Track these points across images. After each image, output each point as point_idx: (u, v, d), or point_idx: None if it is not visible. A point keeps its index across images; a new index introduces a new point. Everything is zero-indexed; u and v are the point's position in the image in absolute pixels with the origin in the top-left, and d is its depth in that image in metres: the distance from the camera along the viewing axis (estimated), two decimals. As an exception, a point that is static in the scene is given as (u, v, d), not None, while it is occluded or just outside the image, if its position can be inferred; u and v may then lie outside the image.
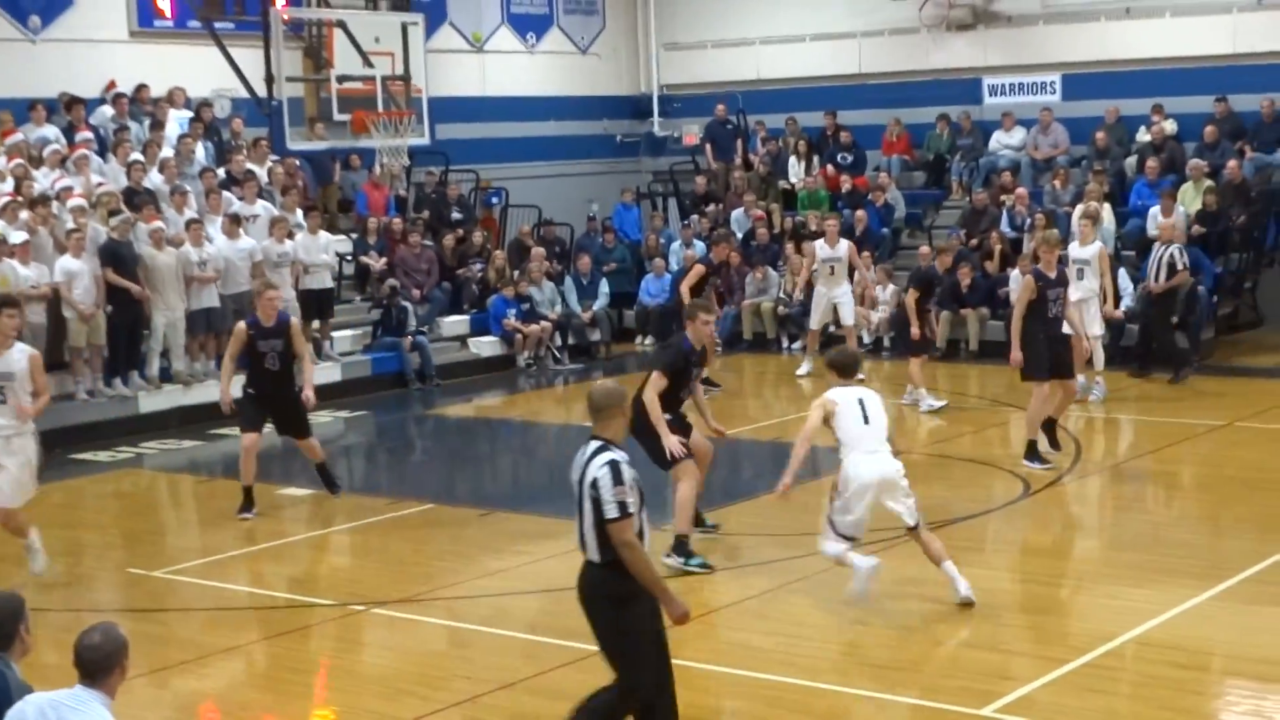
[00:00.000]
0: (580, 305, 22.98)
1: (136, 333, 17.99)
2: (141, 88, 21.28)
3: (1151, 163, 22.18)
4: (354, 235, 22.32)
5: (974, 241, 22.27)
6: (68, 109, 20.15)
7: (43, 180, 18.50)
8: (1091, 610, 10.62)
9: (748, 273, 23.17)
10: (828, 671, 9.26)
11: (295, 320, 14.30)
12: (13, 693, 6.10)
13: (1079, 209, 20.29)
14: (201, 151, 20.80)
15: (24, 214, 17.28)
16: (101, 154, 19.81)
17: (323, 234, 20.27)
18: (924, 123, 25.44)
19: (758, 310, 23.01)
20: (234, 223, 19.02)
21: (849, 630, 10.16)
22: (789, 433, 17.16)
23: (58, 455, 16.09)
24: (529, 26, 27.42)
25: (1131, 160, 22.95)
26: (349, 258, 21.92)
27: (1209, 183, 21.51)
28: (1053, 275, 14.14)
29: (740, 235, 23.88)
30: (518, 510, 13.63)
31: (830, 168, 25.25)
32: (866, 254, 21.67)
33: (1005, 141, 24.42)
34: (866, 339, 20.92)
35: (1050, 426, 14.37)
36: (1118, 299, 18.27)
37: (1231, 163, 21.72)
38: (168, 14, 22.38)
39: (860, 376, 11.21)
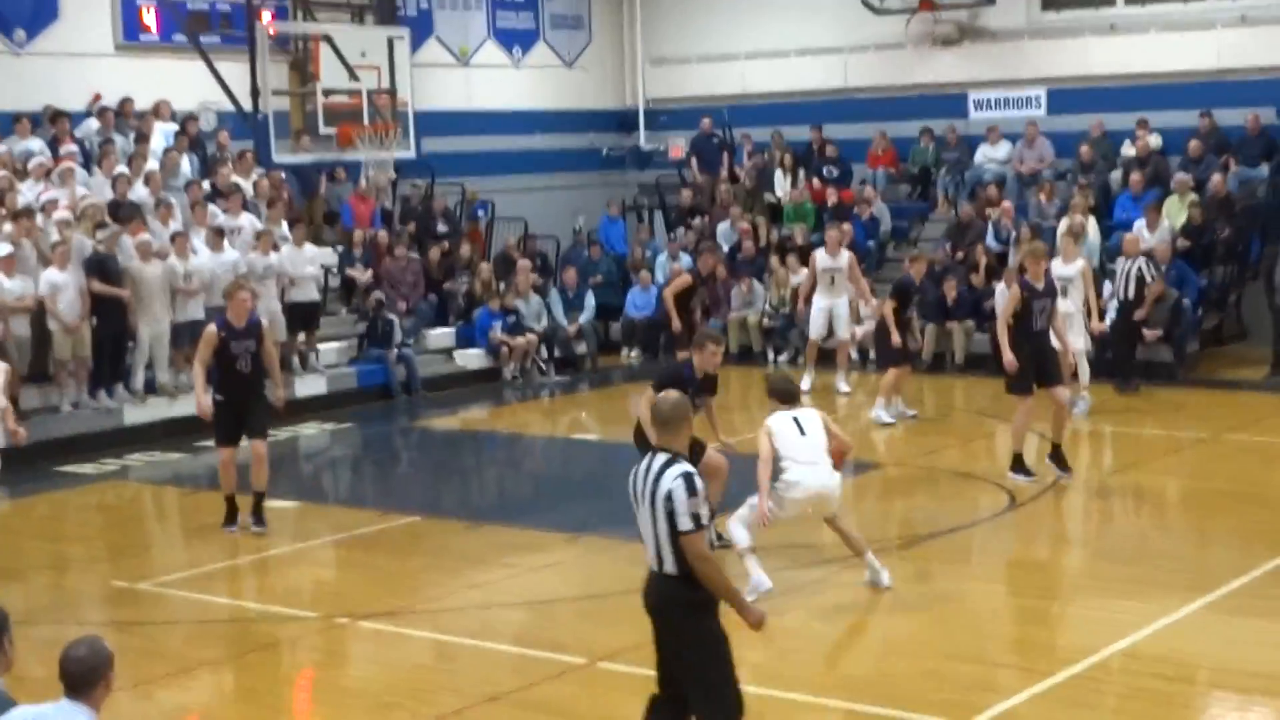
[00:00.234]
0: (566, 318, 22.98)
1: (121, 345, 17.95)
2: (126, 101, 21.24)
3: (1136, 177, 22.24)
4: (340, 248, 22.29)
5: (959, 255, 22.31)
6: (52, 121, 20.11)
7: (27, 193, 18.46)
8: (1077, 622, 10.63)
9: (733, 286, 23.19)
10: (813, 685, 9.26)
11: (265, 321, 14.09)
12: (-4, 705, 6.08)
13: (1063, 224, 20.38)
14: (187, 164, 20.76)
15: (7, 226, 17.24)
16: (86, 166, 19.78)
17: (308, 246, 20.25)
18: (910, 136, 25.49)
19: (743, 323, 23.03)
20: (218, 235, 19.00)
21: (834, 643, 10.16)
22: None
23: (40, 466, 16.11)
24: (515, 40, 27.44)
25: (1116, 174, 23.01)
26: (334, 270, 21.90)
27: (1193, 197, 21.57)
28: (1040, 287, 14.09)
29: (726, 248, 23.90)
30: (504, 523, 13.61)
31: (816, 181, 25.29)
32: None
33: (991, 155, 24.47)
34: (854, 353, 20.89)
35: (1055, 451, 14.22)
36: (1102, 314, 18.30)
37: (1216, 177, 21.79)
38: (153, 28, 22.32)
39: (801, 401, 11.53)
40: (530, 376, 22.10)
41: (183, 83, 21.90)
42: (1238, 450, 16.01)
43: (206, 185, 20.49)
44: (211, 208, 19.73)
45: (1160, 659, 9.49)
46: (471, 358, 21.96)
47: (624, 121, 28.83)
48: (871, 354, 21.11)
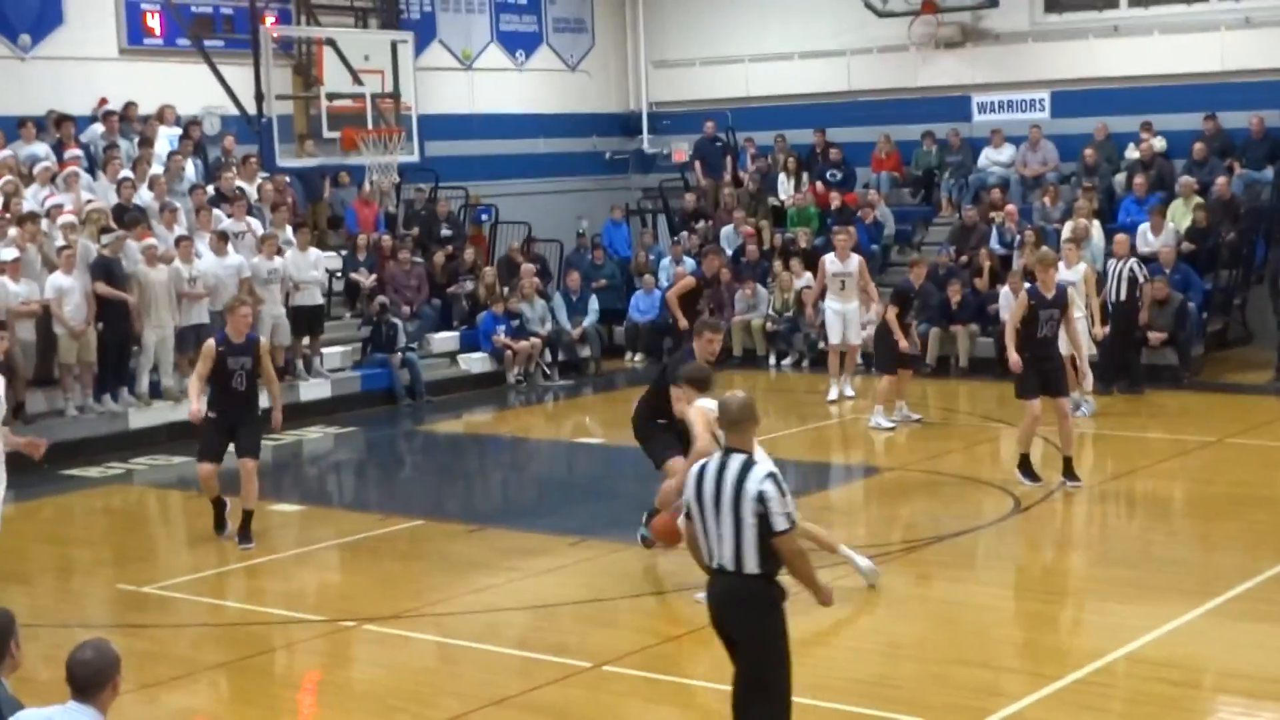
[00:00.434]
0: (570, 322, 22.99)
1: (126, 349, 17.97)
2: (131, 105, 21.27)
3: (1140, 180, 22.24)
4: (344, 252, 22.31)
5: (964, 258, 22.31)
6: (57, 126, 20.13)
7: (32, 197, 18.48)
8: (1083, 627, 10.64)
9: (737, 289, 23.20)
10: (818, 688, 9.22)
11: (264, 339, 13.99)
12: (3, 709, 6.09)
13: (1067, 227, 20.37)
14: (191, 169, 20.79)
15: (13, 231, 17.26)
16: (91, 171, 19.80)
17: (312, 251, 20.26)
18: (913, 140, 25.49)
19: (747, 327, 23.03)
20: (222, 240, 19.02)
21: (838, 647, 10.15)
22: (778, 449, 17.16)
23: (46, 470, 16.12)
24: (518, 44, 27.45)
25: (1120, 177, 23.01)
26: (339, 274, 21.90)
27: (1198, 200, 21.57)
28: (1049, 295, 14.00)
29: (730, 252, 23.90)
30: (507, 526, 13.61)
31: (819, 185, 25.30)
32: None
33: (994, 158, 24.47)
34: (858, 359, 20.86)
35: (1065, 463, 14.17)
36: (1105, 318, 18.27)
37: (1220, 180, 21.79)
38: (157, 32, 22.35)
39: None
40: (534, 380, 22.11)
41: (187, 87, 21.95)
42: (1243, 454, 16.00)
43: (211, 190, 20.51)
44: (216, 212, 19.75)
45: (1166, 663, 9.48)
46: (475, 361, 21.97)
47: (627, 125, 28.84)
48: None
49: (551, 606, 11.27)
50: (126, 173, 19.57)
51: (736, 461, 7.13)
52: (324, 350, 20.41)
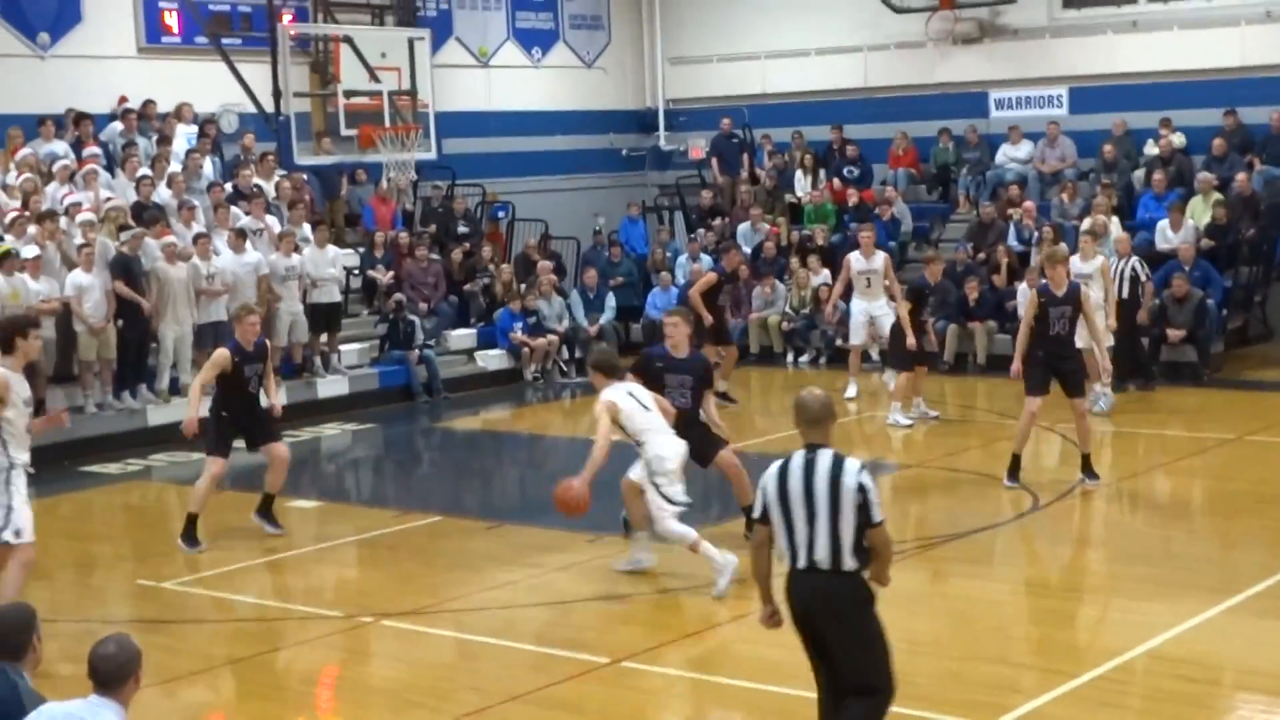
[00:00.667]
0: (587, 319, 22.99)
1: (145, 346, 18.02)
2: (149, 103, 21.33)
3: (1159, 176, 22.16)
4: (361, 249, 22.35)
5: (981, 255, 22.26)
6: (76, 124, 20.19)
7: (51, 196, 18.54)
8: (1101, 624, 10.62)
9: (755, 286, 23.18)
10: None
11: (269, 344, 13.95)
12: (25, 703, 6.12)
13: (1086, 223, 20.31)
14: (209, 166, 20.84)
15: (32, 229, 17.32)
16: (110, 169, 19.85)
17: (330, 248, 20.30)
18: (930, 136, 25.45)
19: (764, 324, 23.01)
20: (241, 237, 19.06)
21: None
22: (796, 447, 17.20)
23: (65, 466, 16.20)
24: (534, 41, 27.47)
25: (1139, 173, 22.94)
26: (356, 272, 21.94)
27: (1218, 196, 21.49)
28: (1059, 293, 13.88)
29: (748, 249, 23.87)
30: (525, 523, 13.61)
31: (836, 181, 25.27)
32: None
33: (1012, 155, 24.42)
34: (874, 355, 20.85)
35: (1085, 460, 14.08)
36: (1119, 313, 18.14)
37: (1240, 176, 21.71)
38: (175, 30, 22.43)
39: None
40: (551, 377, 22.12)
41: (204, 85, 22.01)
42: (1263, 451, 15.94)
43: (229, 187, 20.55)
44: (234, 209, 19.80)
45: (1185, 661, 9.46)
46: (492, 358, 21.99)
47: (644, 122, 28.84)
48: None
49: (569, 603, 11.29)
50: (145, 170, 19.63)
51: (826, 457, 7.07)
52: (342, 347, 20.45)
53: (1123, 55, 24.09)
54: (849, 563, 7.02)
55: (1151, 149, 23.12)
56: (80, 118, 20.25)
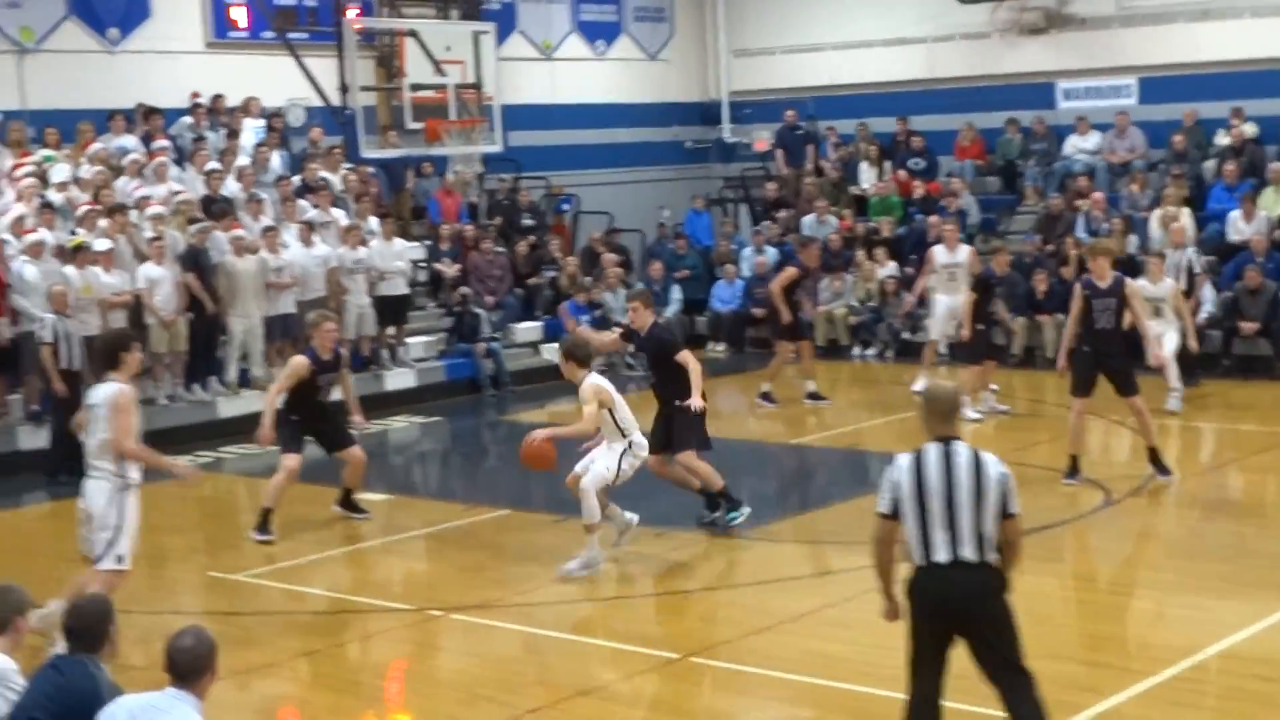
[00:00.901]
0: (652, 312, 22.93)
1: (214, 339, 18.16)
2: (218, 97, 21.49)
3: (1230, 166, 21.89)
4: (427, 242, 22.43)
5: (1049, 247, 22.08)
6: (145, 119, 20.37)
7: (122, 189, 18.71)
8: (1174, 622, 10.48)
9: (822, 278, 23.07)
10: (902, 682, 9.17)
11: (345, 353, 14.06)
12: (104, 694, 6.18)
13: (1155, 214, 20.08)
14: (277, 160, 20.97)
15: (104, 222, 17.49)
16: (179, 163, 20.01)
17: (396, 241, 20.39)
18: (996, 127, 25.26)
19: (830, 317, 22.92)
20: (309, 230, 19.18)
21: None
22: (863, 440, 17.18)
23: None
24: (598, 33, 27.47)
25: (1210, 164, 22.68)
26: (422, 264, 22.03)
27: (1290, 186, 21.23)
28: (1103, 285, 13.66)
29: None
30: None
31: (902, 173, 25.14)
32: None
33: (1080, 146, 24.19)
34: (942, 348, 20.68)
35: (1153, 454, 13.88)
36: (1198, 335, 17.80)
37: (1313, 165, 21.43)
38: (242, 25, 22.59)
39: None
40: (616, 370, 22.08)
41: (271, 79, 22.12)
42: (1336, 445, 15.74)
43: (296, 180, 20.67)
44: (301, 203, 19.92)
45: (1260, 659, 9.34)
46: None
47: (707, 114, 28.79)
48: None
49: (636, 597, 11.29)
50: (214, 164, 19.77)
51: (963, 449, 7.05)
52: (409, 340, 20.55)
53: (1193, 44, 23.75)
54: (992, 555, 7.00)
55: (1223, 139, 22.82)
56: (150, 112, 20.43)
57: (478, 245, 22.18)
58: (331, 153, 21.55)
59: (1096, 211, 21.94)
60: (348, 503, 13.74)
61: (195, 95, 21.28)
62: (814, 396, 18.78)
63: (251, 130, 21.40)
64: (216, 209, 18.82)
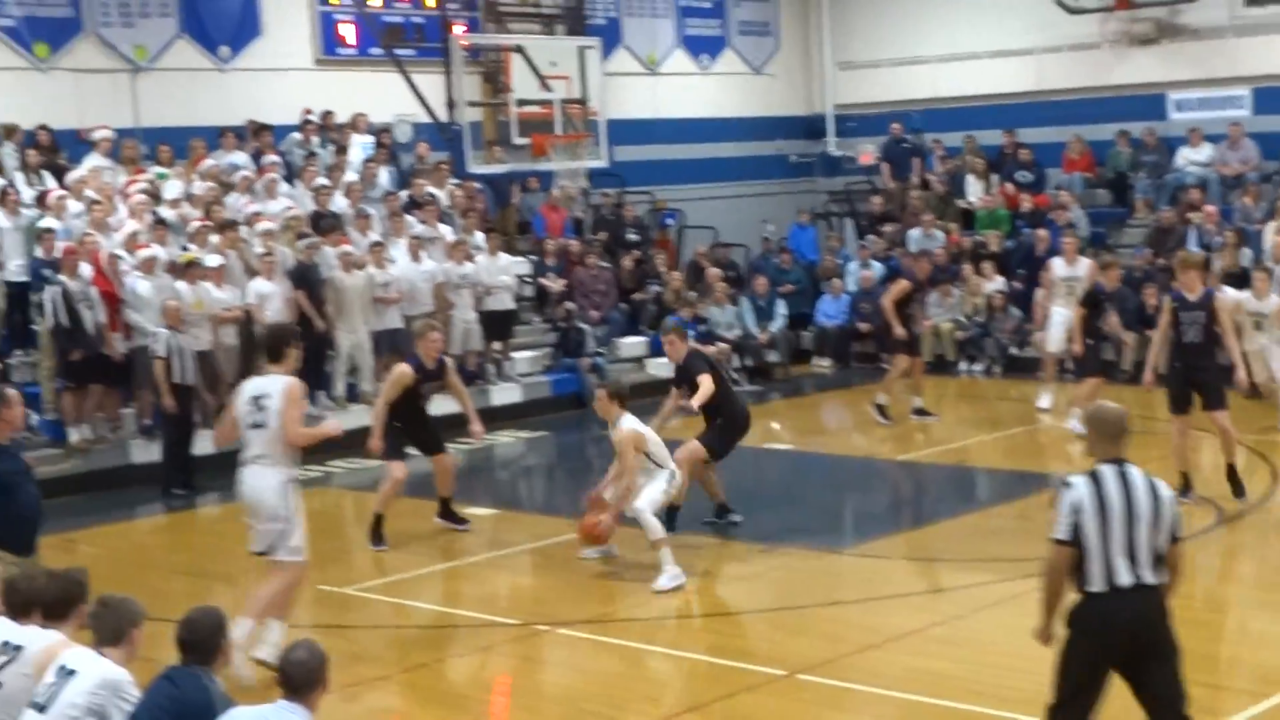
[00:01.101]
0: (757, 327, 22.91)
1: (322, 354, 18.34)
2: (327, 114, 21.74)
3: (1347, 178, 21.48)
4: (532, 257, 22.53)
5: (1160, 261, 21.74)
6: (255, 135, 20.64)
7: (233, 205, 18.97)
8: (1291, 644, 10.26)
9: (930, 292, 22.84)
10: (1017, 701, 9.04)
11: (450, 360, 14.19)
12: (216, 706, 6.24)
13: (1269, 228, 19.70)
14: (384, 175, 21.17)
15: (214, 238, 17.74)
16: (288, 179, 20.26)
17: (502, 256, 20.49)
18: (1106, 140, 24.93)
19: (937, 331, 22.71)
20: (416, 245, 19.32)
21: (1039, 658, 9.90)
22: (970, 457, 17.00)
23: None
24: (703, 48, 27.47)
25: (1326, 176, 22.26)
26: (528, 279, 22.13)
27: None
28: (1192, 298, 13.41)
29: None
30: (698, 532, 13.56)
31: (1009, 186, 24.88)
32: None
33: (1192, 158, 23.81)
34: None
35: (1230, 472, 13.61)
36: None
37: None
38: (351, 42, 22.85)
39: None
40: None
41: (379, 95, 22.34)
42: None
43: (404, 196, 20.85)
44: (408, 218, 20.07)
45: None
46: (663, 366, 21.84)
47: (812, 128, 28.68)
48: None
49: (743, 613, 11.24)
50: (322, 180, 19.98)
51: (1136, 472, 6.97)
52: (514, 355, 20.63)
53: (1309, 53, 23.35)
54: (1165, 577, 6.96)
55: (1340, 150, 22.39)
56: (260, 129, 20.70)
57: (583, 260, 22.24)
58: (438, 168, 21.72)
59: (1209, 225, 21.59)
60: (447, 513, 13.89)
61: (307, 111, 21.53)
62: (921, 412, 18.63)
63: (360, 146, 21.61)
64: (325, 224, 19.02)
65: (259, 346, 11.51)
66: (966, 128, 25.93)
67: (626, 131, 24.49)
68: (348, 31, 22.80)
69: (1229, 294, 15.99)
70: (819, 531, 13.54)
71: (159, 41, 21.07)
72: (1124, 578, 6.84)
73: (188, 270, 16.98)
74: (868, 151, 27.22)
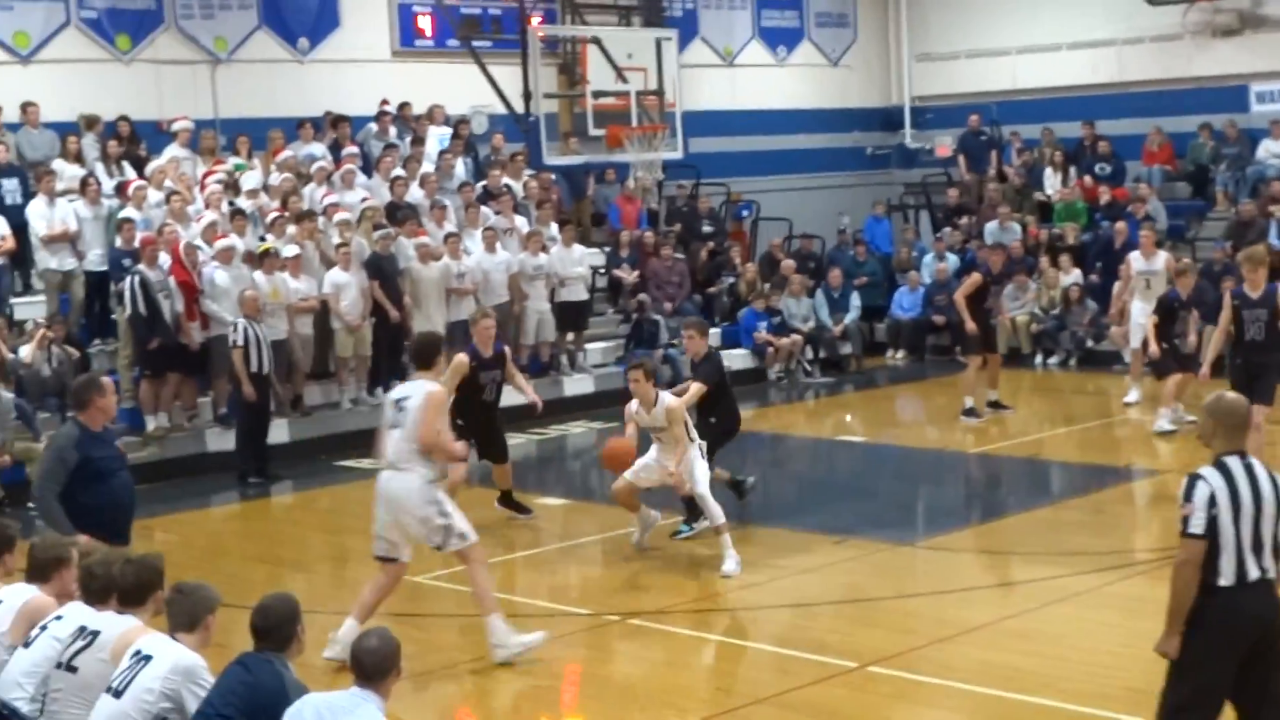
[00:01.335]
0: (831, 319, 22.84)
1: (399, 343, 18.45)
2: (405, 105, 21.88)
3: None
4: (606, 249, 22.57)
5: (1240, 255, 21.45)
6: (333, 126, 20.79)
7: (310, 196, 19.13)
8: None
9: (1006, 285, 22.68)
10: (1091, 695, 8.99)
11: (507, 348, 14.21)
12: (290, 693, 6.31)
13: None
14: (460, 167, 21.26)
15: (292, 228, 17.89)
16: (365, 170, 20.40)
17: (576, 247, 20.53)
18: (1187, 132, 24.64)
19: (1013, 323, 22.53)
20: (492, 236, 19.41)
21: (1111, 653, 9.86)
22: (1045, 450, 16.88)
23: (322, 461, 16.72)
24: (780, 39, 27.40)
25: None
26: (602, 271, 22.17)
27: None
28: (1255, 295, 13.36)
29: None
30: (768, 524, 13.56)
31: (1088, 179, 24.65)
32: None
33: (1274, 150, 23.48)
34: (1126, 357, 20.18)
35: None
36: None
37: None
38: (428, 33, 22.99)
39: None
40: (795, 377, 22.04)
41: (456, 87, 22.47)
42: None
43: (479, 187, 20.93)
44: (484, 209, 20.16)
45: None
46: (736, 358, 21.94)
47: (889, 120, 28.55)
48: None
49: (814, 605, 11.22)
50: (399, 171, 20.10)
51: (1259, 464, 6.90)
52: (587, 346, 20.69)
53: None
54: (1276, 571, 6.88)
55: None
56: (337, 120, 20.85)
57: (657, 251, 22.25)
58: (514, 159, 21.79)
59: (1291, 217, 21.29)
60: (509, 501, 13.94)
61: (384, 103, 21.67)
62: (996, 405, 18.49)
63: (436, 137, 21.72)
64: (401, 215, 19.13)
65: (410, 354, 11.70)
66: (1044, 120, 25.72)
67: (702, 123, 24.46)
68: (425, 23, 22.98)
69: None
70: (891, 524, 13.50)
71: (239, 33, 21.29)
72: (1252, 572, 6.75)
73: (265, 260, 17.15)
74: (944, 144, 27.06)
